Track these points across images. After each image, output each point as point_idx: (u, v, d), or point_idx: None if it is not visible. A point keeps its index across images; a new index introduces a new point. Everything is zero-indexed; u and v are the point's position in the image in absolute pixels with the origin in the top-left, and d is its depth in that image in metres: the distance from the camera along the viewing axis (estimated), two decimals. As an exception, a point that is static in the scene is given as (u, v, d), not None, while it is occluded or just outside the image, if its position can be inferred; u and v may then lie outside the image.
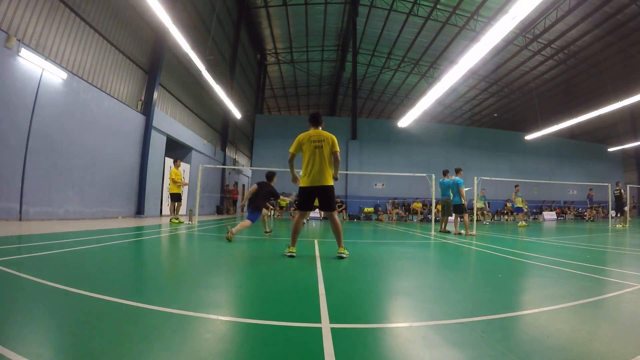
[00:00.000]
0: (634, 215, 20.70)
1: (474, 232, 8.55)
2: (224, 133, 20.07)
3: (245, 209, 9.00)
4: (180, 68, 13.81)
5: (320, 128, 4.02)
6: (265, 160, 19.92)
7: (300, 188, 3.94)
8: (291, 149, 3.99)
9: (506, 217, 19.22)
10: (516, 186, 14.37)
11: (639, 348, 1.43)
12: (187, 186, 12.01)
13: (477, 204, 14.52)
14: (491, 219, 16.81)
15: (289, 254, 3.82)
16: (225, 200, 19.37)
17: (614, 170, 23.92)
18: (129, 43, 10.31)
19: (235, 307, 2.12)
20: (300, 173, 4.01)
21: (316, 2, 18.43)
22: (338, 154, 3.93)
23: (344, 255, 3.80)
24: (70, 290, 2.10)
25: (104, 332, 1.49)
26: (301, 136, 3.96)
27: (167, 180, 13.06)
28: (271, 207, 17.59)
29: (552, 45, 18.87)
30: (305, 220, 11.24)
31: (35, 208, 7.24)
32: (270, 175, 6.64)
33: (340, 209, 17.04)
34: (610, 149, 22.75)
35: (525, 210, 14.56)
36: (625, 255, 5.00)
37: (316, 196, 3.88)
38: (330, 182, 3.87)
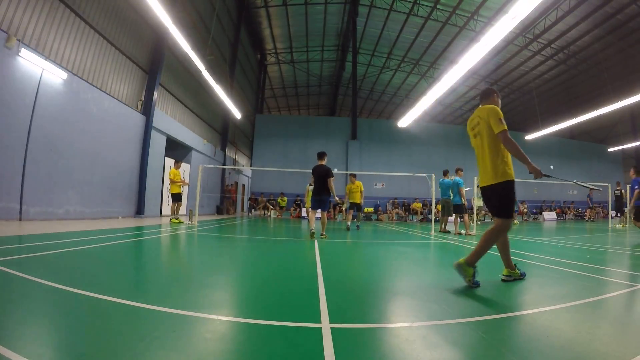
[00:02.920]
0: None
1: (474, 232, 8.55)
2: (224, 133, 20.06)
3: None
4: (180, 68, 13.81)
5: (490, 103, 2.91)
6: (266, 160, 19.93)
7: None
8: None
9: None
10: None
11: (639, 348, 1.43)
12: (187, 186, 12.01)
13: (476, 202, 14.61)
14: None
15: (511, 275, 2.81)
16: (225, 200, 19.37)
17: (614, 170, 23.94)
18: (129, 43, 10.31)
19: (235, 307, 2.12)
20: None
21: (316, 2, 18.43)
22: (500, 134, 2.64)
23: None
24: (70, 290, 2.10)
25: (104, 332, 1.49)
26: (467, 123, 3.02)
27: (167, 181, 13.09)
28: (271, 207, 17.61)
29: (552, 45, 18.87)
30: (349, 223, 10.18)
31: (35, 208, 7.24)
32: (322, 154, 6.92)
33: (340, 209, 17.03)
34: (610, 149, 22.76)
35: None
36: (625, 255, 5.00)
37: (489, 199, 2.87)
38: (499, 179, 2.71)
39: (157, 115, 11.76)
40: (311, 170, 6.87)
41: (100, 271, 2.90)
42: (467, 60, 8.83)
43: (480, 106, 2.94)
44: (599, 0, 14.90)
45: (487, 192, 2.86)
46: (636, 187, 7.67)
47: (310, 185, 13.06)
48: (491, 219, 14.86)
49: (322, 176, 6.62)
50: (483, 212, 15.05)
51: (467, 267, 2.65)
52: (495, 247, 2.94)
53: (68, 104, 7.99)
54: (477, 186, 14.14)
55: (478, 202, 14.56)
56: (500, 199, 2.73)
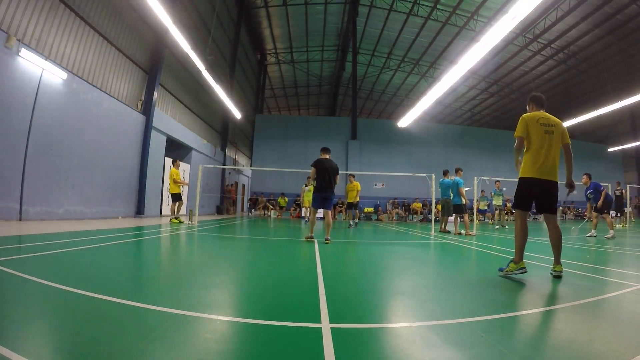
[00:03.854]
0: (635, 214, 20.68)
1: (474, 232, 8.55)
2: (224, 133, 20.07)
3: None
4: (180, 68, 13.81)
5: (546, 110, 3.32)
6: (266, 160, 19.93)
7: (522, 179, 3.17)
8: (517, 132, 3.17)
9: (506, 217, 19.20)
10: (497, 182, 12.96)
11: (639, 348, 1.43)
12: (187, 186, 12.01)
13: (480, 206, 13.90)
14: (493, 221, 15.39)
15: (520, 271, 3.00)
16: (225, 200, 19.37)
17: (614, 170, 23.91)
18: (129, 43, 10.31)
19: (235, 307, 2.12)
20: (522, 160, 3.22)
21: (316, 2, 18.43)
22: (569, 145, 3.22)
23: (562, 274, 3.03)
24: (70, 290, 2.10)
25: (104, 332, 1.49)
26: (526, 116, 3.20)
27: (167, 180, 13.08)
28: (271, 207, 17.60)
29: (552, 45, 18.86)
30: (352, 222, 10.96)
31: (35, 208, 7.23)
32: (328, 149, 6.17)
33: (340, 209, 17.03)
34: (610, 149, 22.75)
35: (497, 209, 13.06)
36: (625, 255, 5.00)
37: (539, 192, 3.14)
38: (557, 179, 3.18)
39: (157, 115, 11.76)
40: (314, 165, 5.91)
41: (100, 271, 2.90)
42: (467, 60, 8.83)
43: (540, 110, 3.27)
44: (599, 0, 14.89)
45: (544, 186, 3.11)
46: (601, 188, 8.44)
47: (306, 185, 13.04)
48: (498, 223, 14.44)
49: (331, 171, 5.87)
50: (503, 211, 14.06)
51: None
52: (512, 240, 3.24)
53: (68, 104, 7.98)
54: (498, 185, 13.47)
55: (497, 201, 13.82)
56: (555, 197, 3.16)
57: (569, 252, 5.16)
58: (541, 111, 3.28)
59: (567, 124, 16.64)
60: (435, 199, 9.61)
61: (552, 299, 2.32)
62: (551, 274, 3.10)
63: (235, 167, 22.68)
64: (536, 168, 3.09)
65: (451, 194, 8.93)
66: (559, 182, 3.16)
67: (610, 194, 8.64)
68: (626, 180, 23.48)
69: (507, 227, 12.81)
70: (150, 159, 11.45)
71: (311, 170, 5.94)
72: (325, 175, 5.84)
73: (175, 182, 9.47)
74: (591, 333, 1.65)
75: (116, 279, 2.63)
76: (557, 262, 3.08)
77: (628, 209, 14.56)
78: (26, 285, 2.21)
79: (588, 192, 8.63)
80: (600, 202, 8.28)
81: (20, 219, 6.81)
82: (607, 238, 7.22)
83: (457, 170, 8.90)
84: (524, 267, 3.01)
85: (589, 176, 8.76)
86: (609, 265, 4.00)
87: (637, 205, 22.68)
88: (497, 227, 12.74)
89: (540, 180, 3.09)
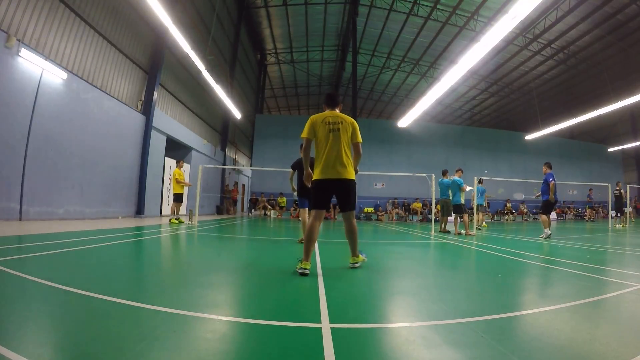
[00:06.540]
0: (634, 215, 20.68)
1: (474, 232, 8.55)
2: (224, 133, 20.07)
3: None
4: (180, 68, 13.81)
5: (338, 110, 3.32)
6: (266, 160, 19.93)
7: (313, 182, 3.22)
8: (303, 134, 3.16)
9: (506, 217, 19.24)
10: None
11: (639, 348, 1.43)
12: (189, 187, 12.03)
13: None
14: (491, 219, 15.32)
15: (301, 270, 2.92)
16: (225, 200, 19.37)
17: (614, 170, 23.92)
18: (129, 43, 10.31)
19: (235, 307, 2.12)
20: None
21: (316, 2, 18.42)
22: (360, 145, 3.27)
23: (357, 265, 3.28)
24: (70, 290, 2.10)
25: (104, 332, 1.49)
26: (314, 117, 3.21)
27: (167, 181, 13.09)
28: (270, 207, 17.60)
29: (552, 45, 18.86)
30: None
31: (35, 208, 7.23)
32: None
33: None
34: (610, 149, 22.75)
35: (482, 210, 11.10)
36: (625, 255, 5.00)
37: (333, 192, 3.20)
38: (351, 176, 3.19)
39: (157, 115, 11.76)
40: (293, 167, 5.57)
41: (101, 271, 2.90)
42: (467, 60, 8.83)
43: (332, 109, 3.27)
44: (599, 0, 14.89)
45: (337, 184, 3.15)
46: (550, 179, 7.36)
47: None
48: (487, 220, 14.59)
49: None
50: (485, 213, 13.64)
51: (359, 257, 3.32)
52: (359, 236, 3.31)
53: (68, 104, 7.98)
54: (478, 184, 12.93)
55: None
56: (352, 194, 3.21)
57: (569, 252, 5.16)
58: (331, 110, 3.27)
59: (567, 124, 16.74)
60: (435, 199, 9.61)
61: (552, 299, 2.32)
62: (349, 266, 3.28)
63: (235, 167, 22.68)
64: (319, 170, 3.13)
65: (450, 194, 8.94)
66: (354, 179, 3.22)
67: (555, 195, 7.42)
68: (626, 180, 23.48)
69: (482, 228, 11.07)
70: (150, 159, 11.45)
71: (289, 172, 5.60)
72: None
73: (177, 182, 9.52)
74: (591, 333, 1.65)
75: (116, 279, 2.63)
76: (353, 254, 3.30)
77: (628, 209, 14.56)
78: (26, 285, 2.21)
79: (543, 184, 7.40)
80: (551, 196, 7.29)
81: (20, 219, 6.81)
82: (542, 237, 6.97)
83: (456, 171, 8.93)
84: (308, 269, 2.96)
85: (549, 165, 7.64)
86: (609, 265, 4.00)
87: (636, 206, 22.68)
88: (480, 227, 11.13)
89: (328, 180, 3.12)
